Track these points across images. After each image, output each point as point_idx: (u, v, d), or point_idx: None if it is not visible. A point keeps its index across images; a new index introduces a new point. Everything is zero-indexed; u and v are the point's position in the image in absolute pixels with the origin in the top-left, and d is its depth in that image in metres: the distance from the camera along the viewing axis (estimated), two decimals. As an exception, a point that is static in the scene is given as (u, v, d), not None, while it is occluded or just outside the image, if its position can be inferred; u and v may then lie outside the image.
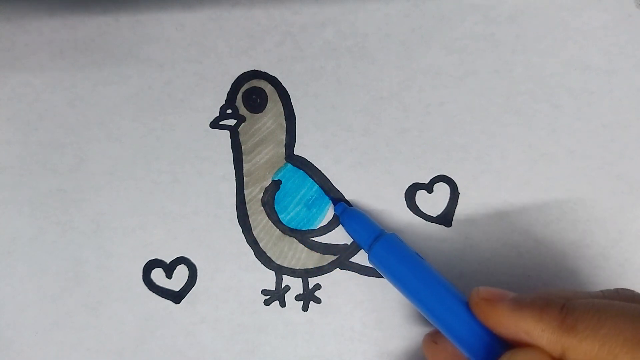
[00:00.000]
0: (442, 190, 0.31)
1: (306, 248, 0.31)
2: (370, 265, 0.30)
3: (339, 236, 0.31)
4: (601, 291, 0.23)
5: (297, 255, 0.31)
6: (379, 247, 0.27)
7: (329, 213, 0.31)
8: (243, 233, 0.31)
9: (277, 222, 0.31)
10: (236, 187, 0.31)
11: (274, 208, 0.31)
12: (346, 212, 0.29)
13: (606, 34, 0.31)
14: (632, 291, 0.23)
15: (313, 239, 0.31)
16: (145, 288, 0.31)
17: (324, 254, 0.31)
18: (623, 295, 0.22)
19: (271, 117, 0.32)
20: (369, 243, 0.28)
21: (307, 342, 0.30)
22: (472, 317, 0.24)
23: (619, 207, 0.30)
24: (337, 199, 0.31)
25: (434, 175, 0.31)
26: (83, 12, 0.32)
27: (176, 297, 0.30)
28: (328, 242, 0.31)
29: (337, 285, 0.30)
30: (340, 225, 0.30)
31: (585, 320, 0.20)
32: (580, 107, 0.31)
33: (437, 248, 0.30)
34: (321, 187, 0.31)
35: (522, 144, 0.31)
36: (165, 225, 0.31)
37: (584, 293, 0.23)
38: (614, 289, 0.23)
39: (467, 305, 0.24)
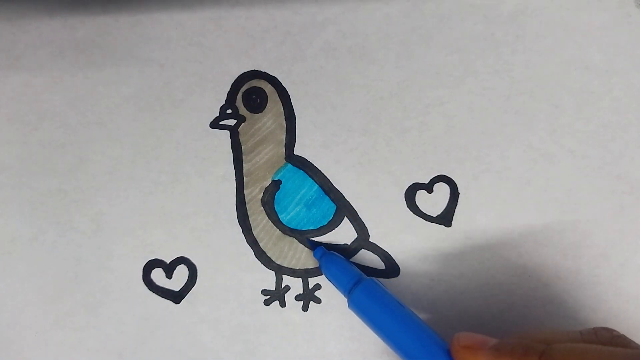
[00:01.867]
0: (442, 190, 0.31)
1: (306, 248, 0.31)
2: (370, 265, 0.30)
3: (339, 236, 0.31)
4: (579, 331, 0.23)
5: (297, 255, 0.31)
6: (358, 293, 0.27)
7: (329, 213, 0.31)
8: (243, 233, 0.31)
9: (277, 222, 0.31)
10: (236, 187, 0.31)
11: (274, 208, 0.31)
12: (325, 256, 0.29)
13: (606, 34, 0.31)
14: (610, 331, 0.23)
15: (313, 239, 0.31)
16: (145, 288, 0.31)
17: (324, 254, 0.31)
18: (601, 337, 0.22)
19: (271, 117, 0.32)
20: (349, 288, 0.27)
21: (307, 342, 0.30)
22: None
23: (619, 207, 0.30)
24: (316, 243, 0.30)
25: (434, 175, 0.31)
26: (83, 12, 0.32)
27: (176, 297, 0.30)
28: (328, 242, 0.31)
29: (337, 285, 0.30)
30: (340, 225, 0.30)
31: None
32: (580, 107, 0.31)
33: (437, 248, 0.30)
34: (321, 187, 0.31)
35: (522, 144, 0.31)
36: (165, 225, 0.31)
37: (563, 334, 0.23)
38: (592, 328, 0.23)
39: (447, 352, 0.24)
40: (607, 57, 0.31)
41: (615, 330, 0.23)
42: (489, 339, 0.23)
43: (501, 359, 0.22)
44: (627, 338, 0.22)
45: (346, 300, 0.27)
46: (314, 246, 0.30)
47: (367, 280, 0.27)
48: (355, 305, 0.27)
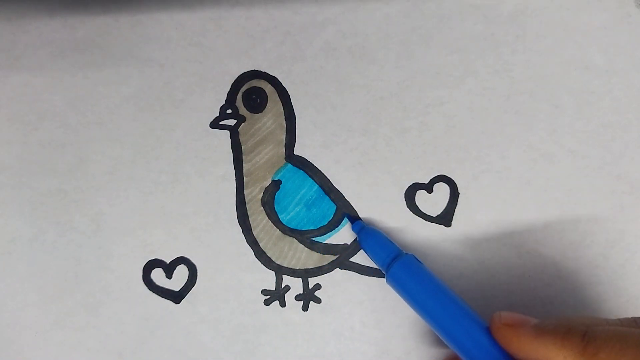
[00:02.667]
0: (442, 190, 0.31)
1: (306, 248, 0.31)
2: (370, 265, 0.30)
3: (339, 236, 0.31)
4: (619, 319, 0.23)
5: (297, 255, 0.31)
6: (397, 269, 0.26)
7: (329, 213, 0.31)
8: (243, 233, 0.31)
9: (277, 222, 0.31)
10: (236, 187, 0.31)
11: (273, 208, 0.31)
12: (364, 230, 0.29)
13: (606, 34, 0.31)
14: None
15: (313, 239, 0.31)
16: (145, 288, 0.31)
17: (324, 254, 0.31)
18: None
19: (271, 117, 0.32)
20: (387, 263, 0.27)
21: (307, 342, 0.30)
22: (492, 342, 0.23)
23: (619, 207, 0.30)
24: (354, 217, 0.30)
25: (434, 175, 0.31)
26: (83, 12, 0.32)
27: (176, 297, 0.30)
28: (328, 242, 0.31)
29: (337, 285, 0.30)
30: (342, 225, 0.30)
31: (607, 348, 0.20)
32: (580, 107, 0.31)
33: (437, 248, 0.30)
34: (321, 187, 0.31)
35: (522, 144, 0.31)
36: (165, 225, 0.31)
37: (603, 320, 0.23)
38: (632, 317, 0.23)
39: (487, 330, 0.24)
40: (607, 57, 0.31)
41: None
42: (530, 318, 0.23)
43: (544, 337, 0.22)
44: None
45: (384, 275, 0.27)
46: (352, 220, 0.30)
47: (407, 256, 0.27)
48: (394, 280, 0.27)
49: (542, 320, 0.23)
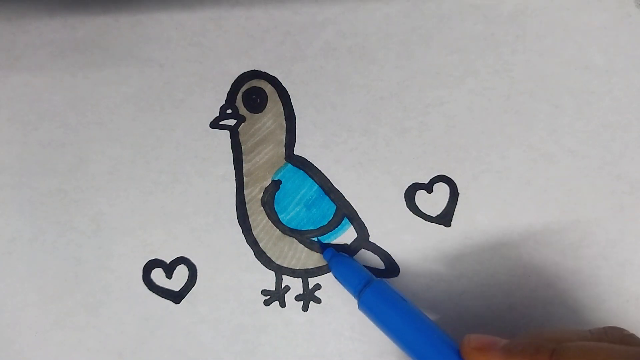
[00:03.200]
0: (441, 190, 0.31)
1: (306, 248, 0.31)
2: (370, 265, 0.30)
3: (339, 236, 0.31)
4: (589, 331, 0.23)
5: (297, 255, 0.31)
6: (368, 294, 0.27)
7: (329, 213, 0.31)
8: (243, 233, 0.31)
9: (277, 222, 0.31)
10: (236, 187, 0.31)
11: (273, 208, 0.31)
12: (335, 258, 0.29)
13: (606, 34, 0.31)
14: (621, 330, 0.23)
15: (313, 239, 0.31)
16: (145, 288, 0.31)
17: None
18: (611, 336, 0.23)
19: (271, 117, 0.32)
20: (359, 290, 0.27)
21: (307, 342, 0.30)
22: None
23: (619, 207, 0.30)
24: (326, 244, 0.30)
25: (434, 175, 0.31)
26: (83, 12, 0.32)
27: (176, 297, 0.30)
28: (328, 242, 0.31)
29: (337, 285, 0.30)
30: (341, 225, 0.30)
31: None
32: (580, 107, 0.31)
33: (436, 248, 0.30)
34: (321, 187, 0.31)
35: (522, 144, 0.31)
36: (165, 225, 0.31)
37: (573, 332, 0.23)
38: (603, 328, 0.23)
39: (457, 353, 0.24)
40: (607, 57, 0.31)
41: (625, 330, 0.23)
42: (499, 340, 0.23)
43: (513, 359, 0.22)
44: (637, 337, 0.22)
45: (356, 301, 0.27)
46: (323, 247, 0.30)
47: (377, 282, 0.27)
48: (366, 306, 0.27)
49: (511, 340, 0.23)
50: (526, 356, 0.22)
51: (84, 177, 0.31)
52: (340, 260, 0.29)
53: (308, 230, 0.31)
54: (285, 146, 0.31)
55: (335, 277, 0.29)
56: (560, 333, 0.23)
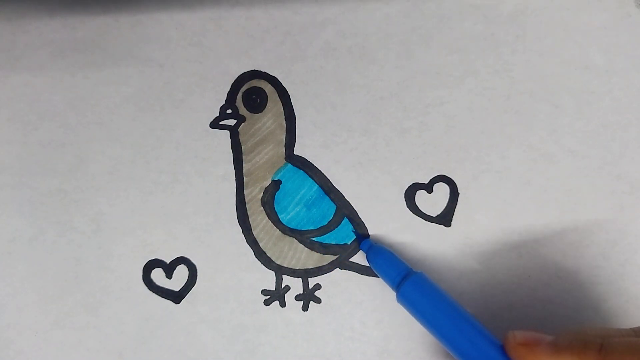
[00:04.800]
0: (441, 190, 0.31)
1: (306, 248, 0.31)
2: (370, 265, 0.30)
3: (339, 236, 0.31)
4: (632, 329, 0.23)
5: (297, 255, 0.31)
6: (407, 288, 0.26)
7: (329, 213, 0.31)
8: (243, 233, 0.31)
9: (277, 222, 0.31)
10: (236, 187, 0.31)
11: (273, 208, 0.31)
12: (372, 249, 0.29)
13: (606, 34, 0.31)
14: None
15: (313, 239, 0.31)
16: (145, 288, 0.31)
17: (323, 254, 0.31)
18: None
19: (271, 117, 0.32)
20: (397, 282, 0.27)
21: (307, 342, 0.30)
22: None
23: (619, 207, 0.30)
24: (363, 235, 0.30)
25: (434, 175, 0.31)
26: (83, 12, 0.32)
27: (176, 297, 0.30)
28: (328, 242, 0.31)
29: (337, 285, 0.30)
30: (342, 225, 0.30)
31: None
32: (580, 107, 0.31)
33: (436, 248, 0.30)
34: (321, 187, 0.31)
35: (522, 144, 0.31)
36: (165, 225, 0.31)
37: (617, 331, 0.23)
38: None
39: (501, 349, 0.23)
40: (607, 57, 0.31)
41: None
42: (545, 336, 0.23)
43: (560, 355, 0.22)
44: None
45: (394, 294, 0.27)
46: (360, 239, 0.30)
47: (417, 274, 0.27)
48: (405, 299, 0.26)
49: (557, 336, 0.23)
50: (574, 352, 0.21)
51: (84, 177, 0.31)
52: (377, 251, 0.29)
53: (308, 230, 0.31)
54: (285, 146, 0.31)
55: (373, 268, 0.29)
56: (604, 331, 0.23)
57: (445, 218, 0.30)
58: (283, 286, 0.30)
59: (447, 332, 0.25)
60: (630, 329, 0.23)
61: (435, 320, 0.25)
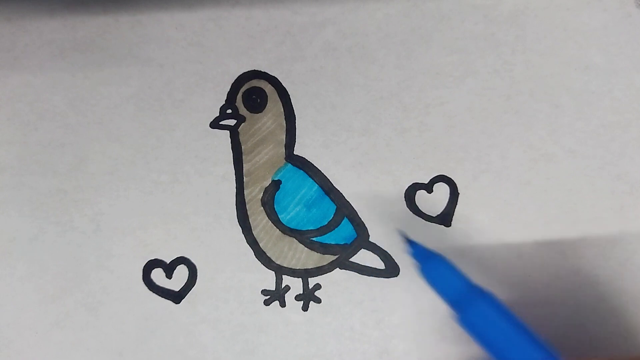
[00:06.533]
0: (442, 190, 0.31)
1: (306, 248, 0.31)
2: (370, 265, 0.30)
3: (339, 236, 0.31)
4: None
5: (297, 255, 0.31)
6: (473, 311, 0.24)
7: (329, 213, 0.31)
8: (243, 233, 0.31)
9: (277, 222, 0.31)
10: (236, 187, 0.31)
11: (273, 208, 0.31)
12: (428, 260, 0.25)
13: (606, 34, 0.31)
14: None
15: (313, 239, 0.31)
16: (145, 288, 0.31)
17: (323, 254, 0.31)
18: None
19: (271, 117, 0.32)
20: (457, 301, 0.24)
21: (307, 342, 0.30)
22: None
23: (619, 207, 0.30)
24: (414, 243, 0.27)
25: (434, 175, 0.31)
26: (83, 12, 0.32)
27: (176, 297, 0.30)
28: (328, 242, 0.31)
29: (337, 285, 0.30)
30: (342, 225, 0.30)
31: None
32: (580, 107, 0.31)
33: (436, 248, 0.30)
34: (321, 187, 0.31)
35: (522, 144, 0.31)
36: (165, 225, 0.31)
37: None
38: None
39: None
40: (607, 57, 0.31)
41: None
42: None
43: None
44: None
45: (454, 314, 0.24)
46: (412, 245, 0.26)
47: (485, 296, 0.24)
48: (468, 324, 0.24)
49: None
50: None
51: (84, 177, 0.31)
52: (433, 265, 0.25)
53: (308, 230, 0.31)
54: (285, 146, 0.31)
55: (427, 281, 0.25)
56: None
57: (445, 218, 0.30)
58: (283, 286, 0.30)
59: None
60: None
61: (502, 346, 0.23)
